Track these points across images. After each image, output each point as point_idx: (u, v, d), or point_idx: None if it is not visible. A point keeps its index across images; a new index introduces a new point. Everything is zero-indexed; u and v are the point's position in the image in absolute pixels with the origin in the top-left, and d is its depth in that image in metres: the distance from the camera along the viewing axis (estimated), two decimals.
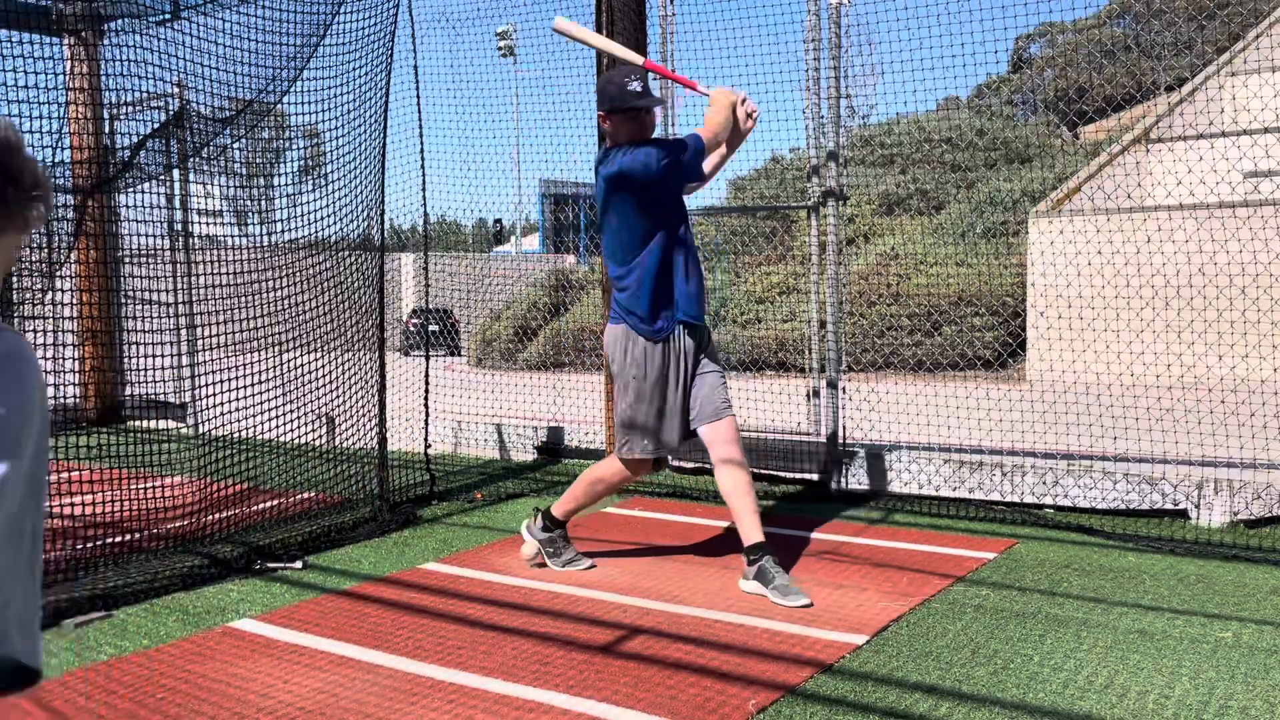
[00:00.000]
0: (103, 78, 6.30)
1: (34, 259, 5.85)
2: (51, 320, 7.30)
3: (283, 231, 5.71)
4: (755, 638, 3.59)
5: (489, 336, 15.24)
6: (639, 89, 4.17)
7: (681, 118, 6.72)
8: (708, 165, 4.34)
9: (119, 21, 6.36)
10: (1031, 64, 19.79)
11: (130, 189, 5.76)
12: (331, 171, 5.66)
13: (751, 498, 4.18)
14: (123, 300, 6.80)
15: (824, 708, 3.00)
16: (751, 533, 4.14)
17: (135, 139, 5.57)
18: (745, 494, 4.18)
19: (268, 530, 5.09)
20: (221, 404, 5.38)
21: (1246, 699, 2.99)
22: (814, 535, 5.02)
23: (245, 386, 5.41)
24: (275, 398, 5.51)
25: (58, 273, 6.15)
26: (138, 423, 8.30)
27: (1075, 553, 4.64)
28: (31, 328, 5.85)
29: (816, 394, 6.20)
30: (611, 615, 3.87)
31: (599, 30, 6.35)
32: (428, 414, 6.34)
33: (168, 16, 5.83)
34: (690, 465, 6.59)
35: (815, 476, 6.11)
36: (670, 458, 6.69)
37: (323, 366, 5.69)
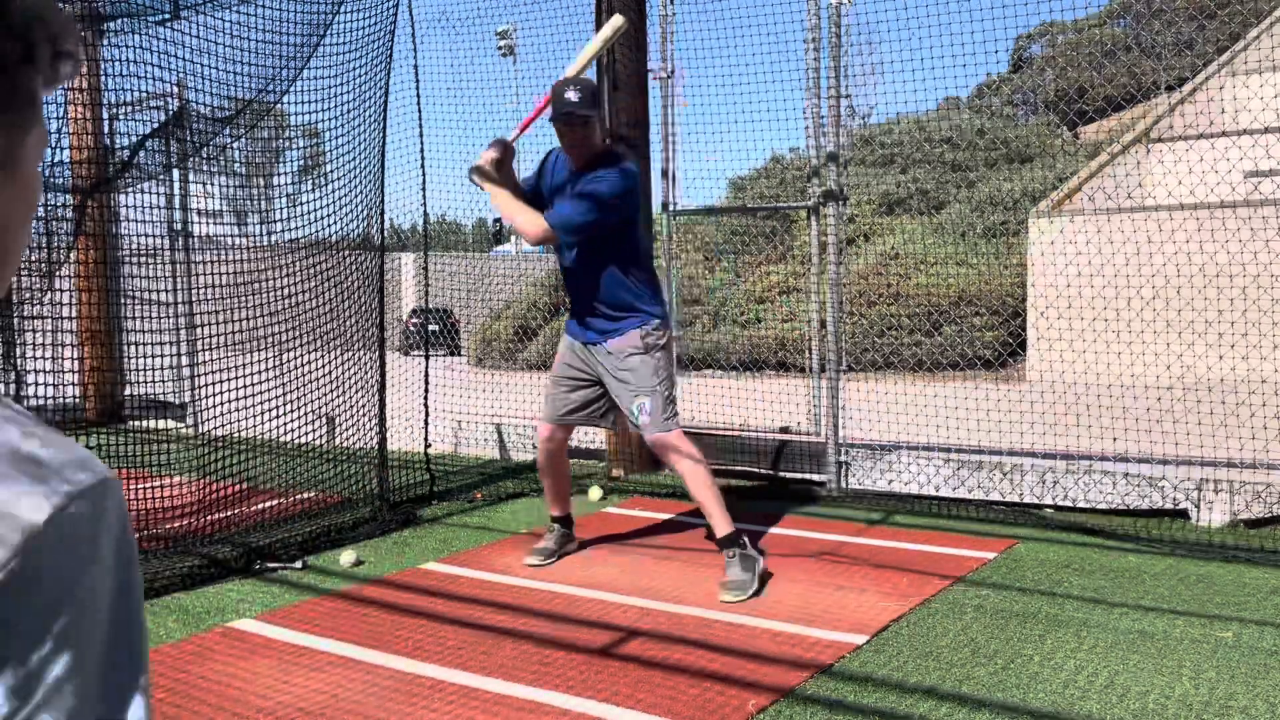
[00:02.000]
0: (102, 78, 6.29)
1: (34, 259, 5.85)
2: (51, 320, 7.29)
3: (283, 231, 5.71)
4: (755, 638, 3.59)
5: (489, 336, 15.23)
6: (570, 97, 4.23)
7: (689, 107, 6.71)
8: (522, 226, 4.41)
9: (118, 21, 6.35)
10: (1031, 64, 19.78)
11: (130, 189, 5.75)
12: (331, 171, 5.65)
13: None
14: (123, 300, 6.80)
15: (824, 709, 3.00)
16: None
17: (135, 139, 5.57)
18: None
19: (268, 530, 5.08)
20: (221, 404, 5.38)
21: (1247, 699, 2.99)
22: (814, 535, 5.02)
23: (245, 386, 5.40)
24: (275, 398, 5.51)
25: (58, 273, 6.15)
26: (138, 423, 8.29)
27: (1075, 553, 4.64)
28: (31, 328, 5.85)
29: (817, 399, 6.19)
30: (612, 615, 3.87)
31: (599, 29, 6.35)
32: (428, 414, 6.33)
33: (167, 16, 5.83)
34: None
35: (815, 476, 6.11)
36: None
37: (323, 366, 5.69)
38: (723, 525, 4.22)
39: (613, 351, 4.40)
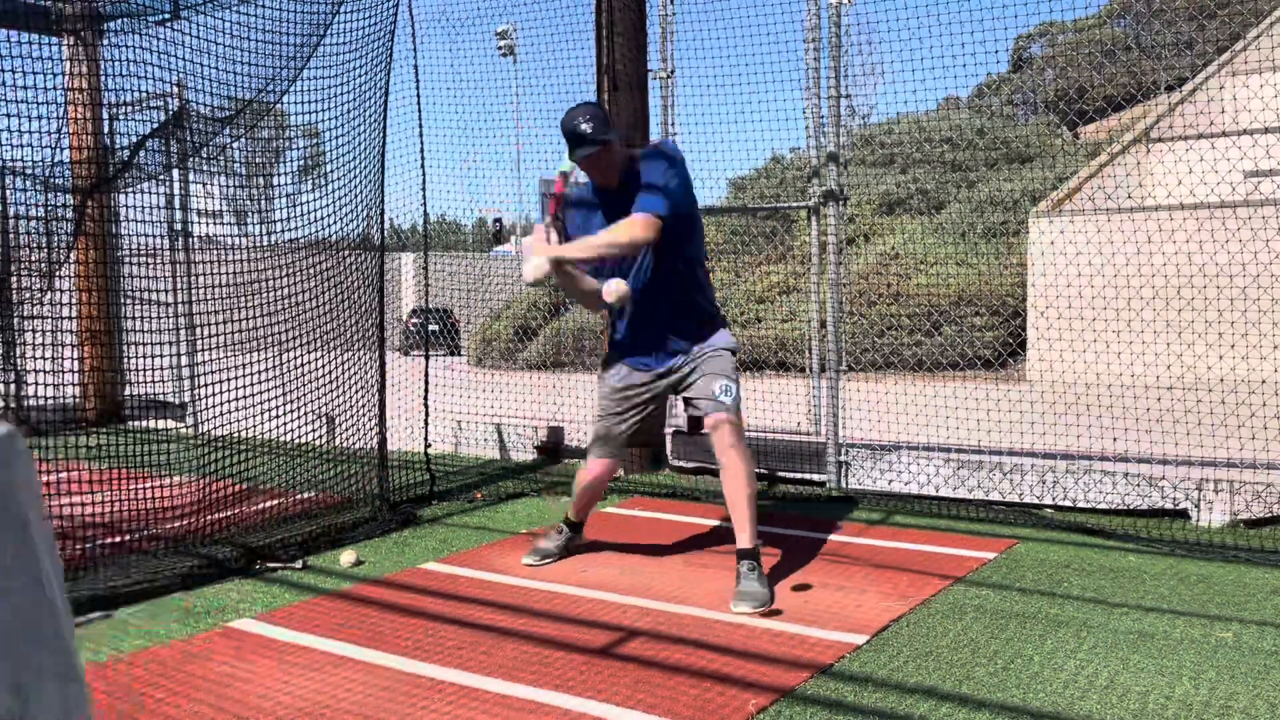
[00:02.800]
0: (102, 78, 6.29)
1: (34, 259, 5.85)
2: (51, 320, 7.30)
3: (283, 231, 5.71)
4: (755, 638, 3.59)
5: (489, 336, 15.24)
6: (585, 130, 4.04)
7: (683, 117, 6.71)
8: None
9: (118, 21, 6.35)
10: (1031, 64, 19.78)
11: (130, 189, 5.75)
12: (331, 171, 5.65)
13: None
14: (123, 300, 6.79)
15: (824, 709, 3.00)
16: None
17: (135, 139, 5.57)
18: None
19: (267, 530, 5.08)
20: (221, 404, 5.38)
21: (1248, 700, 2.99)
22: (814, 535, 5.02)
23: (245, 386, 5.40)
24: (275, 398, 5.51)
25: (58, 273, 6.15)
26: (138, 423, 8.29)
27: (1075, 553, 4.64)
28: (31, 328, 5.85)
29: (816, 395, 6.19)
30: (612, 616, 3.87)
31: (599, 29, 6.35)
32: (428, 414, 6.33)
33: (167, 16, 5.83)
34: (690, 465, 6.59)
35: (815, 476, 6.11)
36: (670, 457, 6.70)
37: (323, 366, 5.69)
38: (747, 538, 4.07)
39: (703, 348, 4.21)
